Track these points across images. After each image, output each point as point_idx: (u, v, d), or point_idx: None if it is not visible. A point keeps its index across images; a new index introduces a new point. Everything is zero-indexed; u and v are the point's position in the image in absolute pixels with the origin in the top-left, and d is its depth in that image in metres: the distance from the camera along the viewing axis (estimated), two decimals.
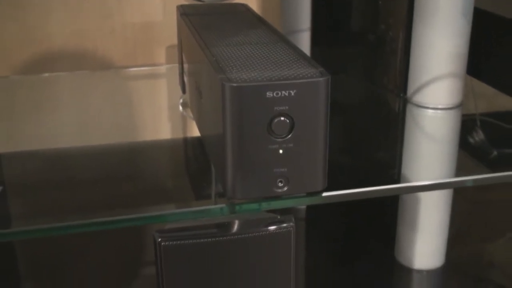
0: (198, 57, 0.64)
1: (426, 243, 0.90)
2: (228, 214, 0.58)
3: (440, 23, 0.77)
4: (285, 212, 0.61)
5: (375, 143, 0.76)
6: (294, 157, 0.55)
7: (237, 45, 0.62)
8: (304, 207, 1.05)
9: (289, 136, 0.54)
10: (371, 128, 0.81)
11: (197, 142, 0.73)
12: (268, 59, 0.57)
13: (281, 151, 0.54)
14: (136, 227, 0.86)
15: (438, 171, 0.70)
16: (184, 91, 0.83)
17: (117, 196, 0.64)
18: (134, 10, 0.97)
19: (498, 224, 1.06)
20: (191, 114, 0.76)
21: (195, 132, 0.72)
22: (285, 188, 0.56)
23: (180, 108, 0.85)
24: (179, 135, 0.83)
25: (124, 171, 0.70)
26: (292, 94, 0.53)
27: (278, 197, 0.57)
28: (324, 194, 0.58)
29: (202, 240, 0.59)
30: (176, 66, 0.86)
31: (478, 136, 0.76)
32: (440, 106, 0.80)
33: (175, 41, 0.86)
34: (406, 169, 0.70)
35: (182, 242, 0.59)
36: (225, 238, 0.59)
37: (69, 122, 0.82)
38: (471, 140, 0.75)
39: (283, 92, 0.53)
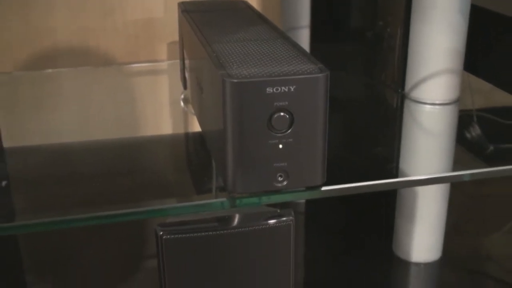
0: (199, 53, 0.64)
1: (423, 237, 0.90)
2: (229, 208, 0.58)
3: (437, 20, 0.77)
4: (285, 206, 0.61)
5: (374, 138, 0.76)
6: (293, 152, 0.55)
7: (238, 42, 0.62)
8: (303, 201, 1.05)
9: (289, 131, 0.54)
10: (370, 124, 0.81)
11: (198, 137, 0.73)
12: (268, 55, 0.57)
13: (281, 146, 0.54)
14: (138, 221, 0.86)
15: (435, 165, 0.70)
16: (185, 87, 0.83)
17: (119, 190, 0.64)
18: (136, 7, 0.97)
19: (495, 218, 1.06)
20: (192, 110, 0.76)
21: (196, 127, 0.72)
22: (285, 183, 0.56)
23: (182, 103, 0.84)
24: (181, 130, 0.83)
25: (126, 165, 0.70)
26: (292, 89, 0.53)
27: (278, 191, 0.57)
28: (323, 188, 0.58)
29: (203, 233, 0.59)
30: (177, 62, 0.86)
31: (475, 131, 0.76)
32: (437, 102, 0.80)
33: (176, 37, 0.86)
34: (404, 164, 0.70)
35: (183, 235, 0.59)
36: (225, 231, 0.59)
37: (71, 118, 0.82)
38: (468, 135, 0.75)
39: (283, 87, 0.53)
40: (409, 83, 0.82)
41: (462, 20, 0.78)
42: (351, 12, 0.96)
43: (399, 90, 0.85)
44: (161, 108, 0.89)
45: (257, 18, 0.73)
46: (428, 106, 0.81)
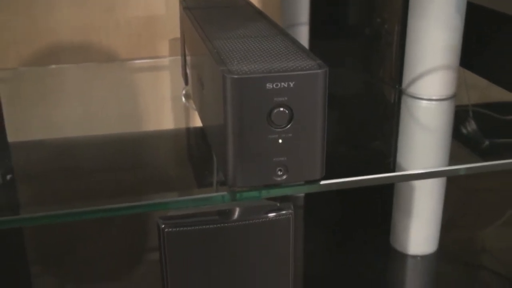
0: (200, 49, 0.64)
1: (420, 230, 0.90)
2: (229, 201, 0.58)
3: (434, 17, 0.77)
4: (284, 199, 0.61)
5: (371, 133, 0.76)
6: (293, 147, 0.55)
7: (238, 38, 0.62)
8: (302, 195, 1.05)
9: (288, 126, 0.54)
10: (368, 119, 0.81)
11: (199, 132, 0.73)
12: (268, 52, 0.57)
13: (280, 141, 0.54)
14: (141, 214, 0.86)
15: (432, 160, 0.70)
16: (186, 83, 0.83)
17: (122, 184, 0.64)
18: (138, 4, 0.97)
19: (490, 212, 1.06)
20: (193, 105, 0.76)
21: (197, 122, 0.72)
22: (284, 177, 0.56)
23: (183, 99, 0.84)
24: (182, 125, 0.83)
25: (129, 160, 0.70)
26: (291, 85, 0.53)
27: (277, 185, 0.57)
28: (322, 182, 0.58)
29: (204, 226, 0.59)
30: (178, 58, 0.86)
31: (471, 126, 0.76)
32: (434, 97, 0.80)
33: (177, 34, 0.86)
34: (401, 158, 0.70)
35: (184, 228, 0.59)
36: (226, 224, 0.59)
37: (75, 113, 0.82)
38: (463, 130, 0.75)
39: (283, 83, 0.53)
40: (406, 79, 0.82)
41: (458, 17, 0.77)
42: (350, 9, 0.96)
43: (397, 86, 0.85)
44: (163, 104, 0.89)
45: (257, 15, 0.73)
46: (424, 102, 0.81)
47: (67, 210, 0.56)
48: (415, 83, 0.81)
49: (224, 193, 0.58)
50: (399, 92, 0.84)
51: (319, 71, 0.53)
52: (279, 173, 0.56)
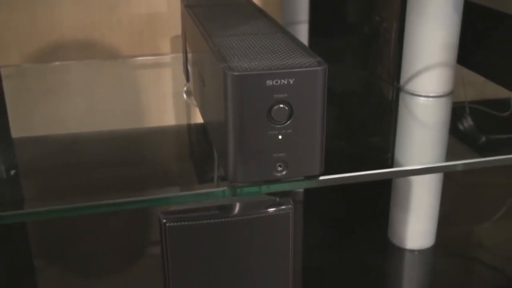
0: (201, 47, 0.63)
1: (417, 225, 0.90)
2: (230, 196, 0.58)
3: (431, 15, 0.77)
4: (284, 195, 0.61)
5: (370, 129, 0.76)
6: (292, 143, 0.55)
7: (239, 36, 0.62)
8: (302, 190, 1.05)
9: (288, 122, 0.54)
10: (366, 115, 0.81)
11: (200, 128, 0.73)
12: (268, 49, 0.57)
13: (280, 137, 0.54)
14: (143, 208, 0.86)
15: (429, 156, 0.70)
16: (188, 80, 0.83)
17: (124, 179, 0.64)
18: (140, 2, 0.97)
19: (486, 207, 1.06)
20: (194, 102, 0.76)
21: (198, 118, 0.72)
22: (284, 172, 0.56)
23: (184, 95, 0.84)
24: (183, 121, 0.83)
25: (131, 155, 0.70)
26: (291, 82, 0.53)
27: (277, 180, 0.57)
28: (321, 178, 0.58)
29: (205, 221, 0.59)
30: (180, 55, 0.86)
31: (468, 122, 0.76)
32: (431, 94, 0.80)
33: (179, 31, 0.86)
34: (399, 154, 0.70)
35: (186, 223, 0.59)
36: (227, 219, 0.59)
37: (78, 109, 0.82)
38: (461, 126, 0.75)
39: (282, 80, 0.53)
40: (404, 76, 0.82)
41: (455, 15, 0.77)
42: (349, 7, 0.96)
43: (395, 83, 0.85)
44: (165, 100, 0.88)
45: (257, 13, 0.73)
46: (422, 99, 0.80)
47: (70, 204, 0.56)
48: (413, 80, 0.81)
49: (225, 188, 0.58)
50: (397, 89, 0.84)
51: (318, 68, 0.53)
52: (279, 168, 0.56)
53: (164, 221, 0.58)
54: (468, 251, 0.96)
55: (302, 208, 1.04)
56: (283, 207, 0.60)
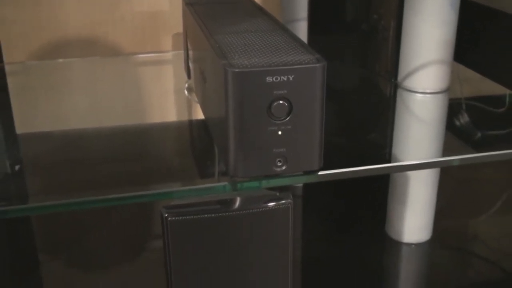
0: (202, 44, 0.63)
1: (414, 219, 0.90)
2: (231, 191, 0.58)
3: (429, 13, 0.77)
4: (284, 189, 0.61)
5: (368, 125, 0.76)
6: (292, 138, 0.55)
7: (239, 33, 0.62)
8: (301, 185, 1.05)
9: (288, 118, 0.54)
10: (364, 111, 0.81)
11: (202, 124, 0.73)
12: (268, 46, 0.57)
13: (280, 133, 0.54)
14: (145, 203, 0.86)
15: (426, 151, 0.70)
16: (189, 76, 0.83)
17: (127, 174, 0.64)
18: (142, 0, 0.96)
19: (482, 201, 1.06)
20: (196, 98, 0.76)
21: (199, 115, 0.71)
22: (284, 167, 0.56)
23: (186, 92, 0.84)
24: (185, 117, 0.82)
25: (134, 151, 0.70)
26: (291, 79, 0.53)
27: (277, 175, 0.57)
28: (320, 173, 0.58)
29: (206, 215, 0.59)
30: (181, 52, 0.85)
31: (464, 118, 0.76)
32: (428, 91, 0.80)
33: (180, 29, 0.85)
34: (396, 150, 0.70)
35: (187, 217, 0.59)
36: (227, 213, 0.59)
37: (81, 105, 0.82)
38: (457, 122, 0.75)
39: (282, 77, 0.52)
40: (401, 73, 0.82)
41: (452, 13, 0.77)
42: (347, 5, 0.96)
43: (392, 80, 0.85)
44: (166, 97, 0.88)
45: (257, 10, 0.73)
46: (419, 95, 0.80)
47: (74, 199, 0.56)
48: (410, 77, 0.81)
49: (226, 183, 0.58)
50: (395, 86, 0.84)
51: (317, 65, 0.53)
52: (279, 163, 0.56)
53: (166, 215, 0.58)
54: (464, 245, 0.96)
55: (301, 202, 1.04)
56: (283, 201, 0.60)
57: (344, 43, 0.97)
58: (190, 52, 0.78)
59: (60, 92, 0.86)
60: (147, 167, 0.65)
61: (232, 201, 0.60)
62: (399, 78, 0.83)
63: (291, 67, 0.53)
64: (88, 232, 0.94)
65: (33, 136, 0.74)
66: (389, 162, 0.65)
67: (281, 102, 0.53)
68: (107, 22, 0.96)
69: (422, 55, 0.79)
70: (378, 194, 0.99)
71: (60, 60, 0.96)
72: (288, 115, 0.54)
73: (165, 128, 0.78)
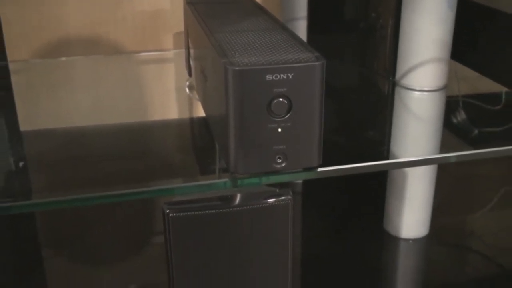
0: (203, 43, 0.63)
1: (412, 214, 0.90)
2: (231, 187, 0.58)
3: (426, 12, 0.77)
4: (283, 186, 0.61)
5: (367, 122, 0.76)
6: (291, 136, 0.55)
7: (239, 32, 0.62)
8: (300, 181, 1.05)
9: (287, 116, 0.54)
10: (363, 109, 0.81)
11: (203, 122, 0.73)
12: (267, 45, 0.57)
13: (279, 130, 0.54)
14: (147, 199, 0.86)
15: (424, 148, 0.70)
16: (190, 75, 0.83)
17: (129, 171, 0.64)
18: None
19: (478, 197, 1.06)
20: (196, 96, 0.76)
21: (200, 112, 0.71)
22: (284, 164, 0.56)
23: (187, 90, 0.84)
24: (186, 115, 0.82)
25: (135, 148, 0.70)
26: (290, 77, 0.53)
27: (277, 172, 0.57)
28: (319, 169, 0.58)
29: (207, 211, 0.59)
30: (182, 51, 0.85)
31: (461, 116, 0.76)
32: (426, 89, 0.80)
33: (181, 28, 0.85)
34: (394, 147, 0.70)
35: (188, 213, 0.59)
36: (228, 210, 0.59)
37: (84, 103, 0.82)
38: (454, 120, 0.75)
39: (282, 75, 0.52)
40: (399, 71, 0.82)
41: (449, 12, 0.77)
42: (346, 4, 0.96)
43: (390, 78, 0.85)
44: (168, 95, 0.88)
45: (257, 10, 0.73)
46: (417, 93, 0.80)
47: (77, 195, 0.56)
48: (408, 75, 0.80)
49: (226, 179, 0.58)
50: (393, 84, 0.84)
51: (316, 63, 0.53)
52: (279, 160, 0.56)
53: (168, 211, 0.58)
54: (461, 240, 0.96)
55: (301, 198, 1.04)
56: (283, 197, 0.60)
57: (343, 41, 0.97)
58: (191, 51, 0.78)
59: (63, 90, 0.86)
60: (149, 164, 0.65)
61: (233, 197, 0.60)
62: (397, 76, 0.83)
63: (291, 65, 0.53)
64: (91, 228, 0.94)
65: (37, 134, 0.74)
66: (387, 159, 0.65)
67: (280, 99, 0.53)
68: (109, 21, 0.96)
69: (420, 54, 0.79)
70: (377, 191, 0.99)
71: (63, 59, 0.96)
72: (287, 113, 0.54)
73: (166, 125, 0.78)
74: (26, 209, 0.58)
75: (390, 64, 0.85)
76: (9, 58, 0.94)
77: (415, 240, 0.92)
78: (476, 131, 0.72)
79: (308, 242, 0.93)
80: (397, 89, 0.82)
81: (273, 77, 0.52)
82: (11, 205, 0.55)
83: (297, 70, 0.53)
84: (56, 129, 0.75)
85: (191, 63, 0.80)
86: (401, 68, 0.81)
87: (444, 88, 0.81)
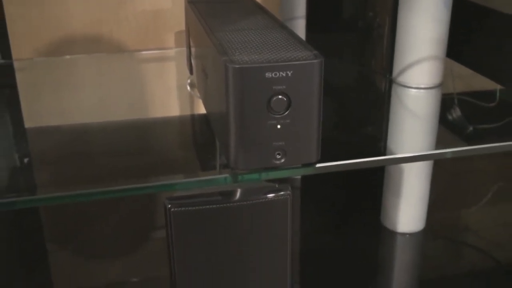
0: (204, 41, 0.63)
1: (409, 209, 0.90)
2: (231, 183, 0.58)
3: (422, 11, 0.77)
4: (283, 181, 0.61)
5: (364, 119, 0.76)
6: (290, 132, 0.55)
7: (240, 30, 0.62)
8: (299, 177, 1.05)
9: (286, 112, 0.54)
10: (360, 106, 0.81)
11: (203, 119, 0.73)
12: (267, 43, 0.57)
13: (279, 127, 0.54)
14: (149, 194, 0.86)
15: (420, 144, 0.70)
16: (191, 72, 0.83)
17: (131, 167, 0.63)
18: None
19: (473, 192, 1.06)
20: (197, 94, 0.76)
21: (201, 109, 0.71)
22: (283, 160, 0.56)
23: (188, 88, 0.84)
24: (187, 112, 0.82)
25: (138, 144, 0.70)
26: (289, 74, 0.53)
27: (276, 168, 0.57)
28: (318, 165, 0.58)
29: (208, 206, 0.59)
30: (184, 49, 0.85)
31: (456, 113, 0.76)
32: (422, 86, 0.80)
33: (183, 27, 0.85)
34: (391, 143, 0.70)
35: (189, 208, 0.59)
36: (228, 204, 0.59)
37: (87, 100, 0.82)
38: (449, 116, 0.75)
39: (281, 72, 0.52)
40: (396, 69, 0.82)
41: (445, 10, 0.77)
42: (344, 3, 0.96)
43: (387, 76, 0.85)
44: (169, 92, 0.88)
45: (257, 9, 0.73)
46: (413, 90, 0.80)
47: (80, 191, 0.56)
48: (404, 72, 0.80)
49: (227, 175, 0.58)
50: (390, 81, 0.84)
51: (315, 61, 0.53)
52: (278, 156, 0.56)
53: (169, 206, 0.58)
54: (456, 234, 0.96)
55: (299, 194, 1.04)
56: (282, 193, 0.60)
57: (341, 40, 0.97)
58: (192, 49, 0.78)
59: (66, 87, 0.86)
60: (151, 160, 0.65)
61: (233, 192, 0.60)
62: (394, 74, 0.82)
63: (290, 63, 0.52)
64: (94, 223, 0.94)
65: (41, 130, 0.74)
66: (384, 154, 0.65)
67: (280, 97, 0.53)
68: (111, 20, 0.96)
69: (416, 52, 0.79)
70: (374, 186, 0.99)
71: (67, 57, 0.96)
72: (287, 110, 0.54)
73: (168, 122, 0.78)
74: (30, 204, 0.58)
75: (387, 62, 0.85)
76: (14, 56, 0.94)
77: (411, 234, 0.92)
78: (471, 128, 0.72)
79: (306, 236, 0.93)
80: (394, 87, 0.82)
81: (273, 74, 0.52)
82: (16, 200, 0.55)
83: (296, 67, 0.53)
84: (60, 126, 0.75)
85: (192, 61, 0.80)
86: (397, 66, 0.81)
87: (440, 85, 0.81)
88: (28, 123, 0.76)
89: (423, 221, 0.92)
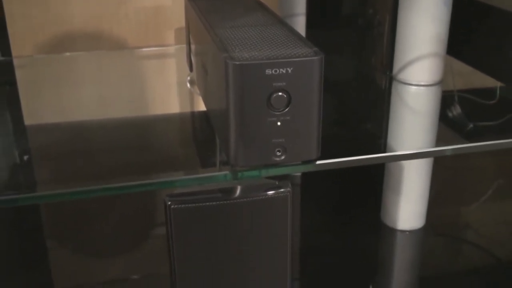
0: (204, 38, 0.63)
1: (409, 206, 0.90)
2: (231, 180, 0.58)
3: (422, 8, 0.76)
4: (283, 178, 0.60)
5: (364, 116, 0.76)
6: (290, 129, 0.55)
7: (239, 27, 0.62)
8: (299, 174, 1.05)
9: (286, 109, 0.54)
10: (361, 103, 0.80)
11: (203, 116, 0.73)
12: (267, 40, 0.57)
13: (279, 123, 0.54)
14: (149, 191, 0.86)
15: (420, 141, 0.70)
16: (191, 69, 0.82)
17: (131, 164, 0.63)
18: None
19: (473, 189, 1.06)
20: (197, 90, 0.76)
21: (201, 106, 0.71)
22: (283, 157, 0.56)
23: (188, 85, 0.84)
24: (187, 109, 0.82)
25: (138, 141, 0.70)
26: (289, 71, 0.52)
27: (276, 165, 0.57)
28: (318, 162, 0.58)
29: (208, 203, 0.59)
30: (184, 46, 0.85)
31: (456, 110, 0.76)
32: (422, 83, 0.80)
33: (183, 23, 0.85)
34: (391, 140, 0.69)
35: (190, 205, 0.58)
36: (228, 201, 0.59)
37: (87, 97, 0.82)
38: (449, 114, 0.75)
39: (281, 69, 0.52)
40: (396, 66, 0.82)
41: (445, 8, 0.77)
42: (344, 1, 0.96)
43: (388, 73, 0.85)
44: (169, 89, 0.88)
45: (257, 5, 0.72)
46: (413, 87, 0.80)
47: (80, 188, 0.56)
48: (404, 70, 0.80)
49: (227, 172, 0.58)
50: (390, 78, 0.83)
51: (315, 57, 0.53)
52: (278, 153, 0.55)
53: (169, 203, 0.58)
54: (456, 232, 0.96)
55: (299, 191, 1.04)
56: (282, 190, 0.60)
57: (341, 37, 0.97)
58: (192, 46, 0.78)
59: (66, 84, 0.86)
60: (151, 157, 0.65)
61: (233, 189, 0.60)
62: (394, 71, 0.82)
63: (290, 59, 0.52)
64: (94, 220, 0.94)
65: (41, 128, 0.74)
66: (384, 152, 0.65)
67: (280, 93, 0.53)
68: (112, 17, 0.96)
69: (416, 49, 0.78)
70: (374, 183, 0.99)
71: (67, 54, 0.96)
72: (287, 107, 0.54)
73: (168, 119, 0.78)
74: (31, 201, 0.58)
75: (387, 59, 0.85)
76: (13, 53, 0.94)
77: (411, 232, 0.92)
78: (471, 125, 0.72)
79: (306, 233, 0.93)
80: (394, 84, 0.82)
81: (273, 71, 0.52)
82: (16, 197, 0.55)
83: (296, 64, 0.52)
84: (60, 123, 0.75)
85: (192, 58, 0.80)
86: (398, 63, 0.81)
87: (440, 82, 0.81)
88: (28, 121, 0.75)
89: (423, 218, 0.92)
